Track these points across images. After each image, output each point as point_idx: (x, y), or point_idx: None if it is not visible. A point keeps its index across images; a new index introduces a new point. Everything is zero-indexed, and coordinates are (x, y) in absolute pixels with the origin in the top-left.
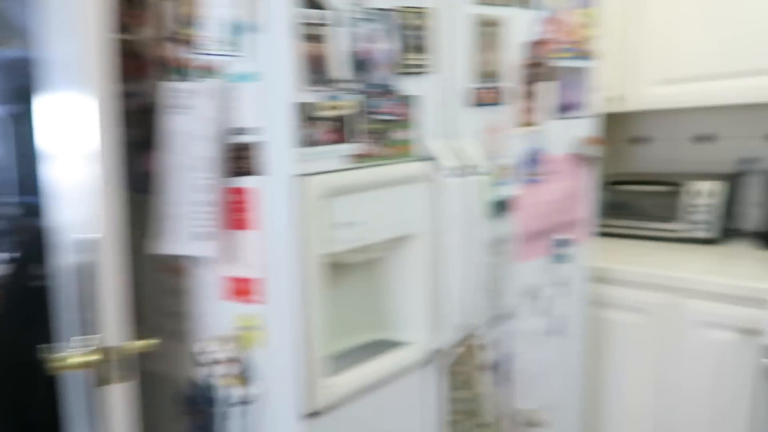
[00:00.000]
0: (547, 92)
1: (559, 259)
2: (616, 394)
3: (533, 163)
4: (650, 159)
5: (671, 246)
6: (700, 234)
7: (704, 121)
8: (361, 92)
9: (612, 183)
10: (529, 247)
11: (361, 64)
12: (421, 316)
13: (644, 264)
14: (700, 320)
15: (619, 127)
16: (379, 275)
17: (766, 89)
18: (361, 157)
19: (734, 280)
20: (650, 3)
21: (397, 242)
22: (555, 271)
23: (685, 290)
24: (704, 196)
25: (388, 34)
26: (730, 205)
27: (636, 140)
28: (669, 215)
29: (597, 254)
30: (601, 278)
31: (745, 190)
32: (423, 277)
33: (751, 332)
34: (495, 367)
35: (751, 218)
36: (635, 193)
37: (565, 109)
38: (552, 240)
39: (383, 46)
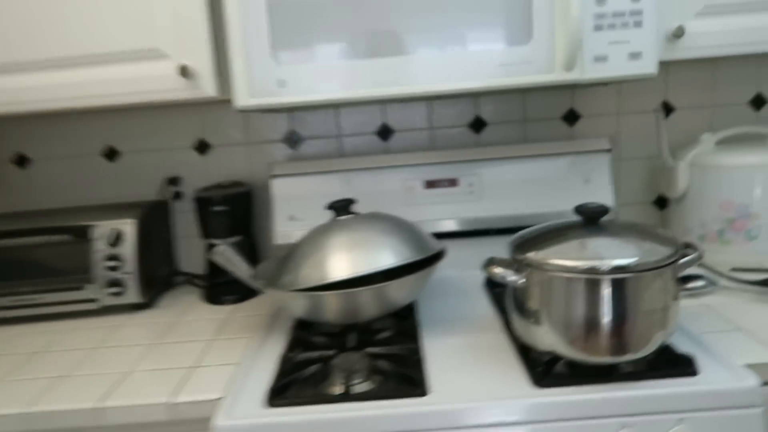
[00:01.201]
0: None
1: None
2: None
3: None
4: (44, 188)
5: (87, 324)
6: (127, 298)
7: (107, 129)
8: None
9: None
10: None
11: None
12: None
13: (19, 391)
14: None
15: None
16: None
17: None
18: None
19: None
20: None
21: None
22: None
23: (88, 429)
24: (122, 241)
25: None
26: (165, 246)
27: (22, 161)
28: (78, 276)
29: None
30: None
31: (177, 220)
32: None
33: None
34: None
35: (189, 258)
36: (22, 248)
37: None
38: None
39: None
